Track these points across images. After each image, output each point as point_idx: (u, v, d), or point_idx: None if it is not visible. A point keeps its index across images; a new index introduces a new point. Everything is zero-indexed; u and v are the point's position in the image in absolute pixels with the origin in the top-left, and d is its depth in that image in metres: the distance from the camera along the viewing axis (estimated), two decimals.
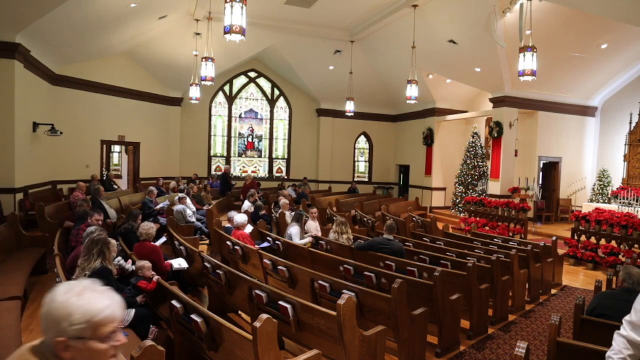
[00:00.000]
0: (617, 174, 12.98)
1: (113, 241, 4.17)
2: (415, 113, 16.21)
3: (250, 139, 17.45)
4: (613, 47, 11.11)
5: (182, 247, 5.85)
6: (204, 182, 14.44)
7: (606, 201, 12.54)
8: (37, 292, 5.52)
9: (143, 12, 10.25)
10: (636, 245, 7.88)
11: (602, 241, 8.34)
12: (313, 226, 7.17)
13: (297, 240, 6.55)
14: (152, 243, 5.05)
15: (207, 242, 8.44)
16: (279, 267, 4.85)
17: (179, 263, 5.17)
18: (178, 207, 8.52)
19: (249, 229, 6.53)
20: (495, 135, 12.75)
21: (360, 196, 14.99)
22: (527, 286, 5.99)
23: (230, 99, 17.02)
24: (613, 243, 8.10)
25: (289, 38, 13.71)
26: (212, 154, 16.87)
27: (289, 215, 8.30)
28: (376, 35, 13.12)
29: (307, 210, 8.15)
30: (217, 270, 4.53)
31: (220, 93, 16.84)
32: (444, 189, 15.72)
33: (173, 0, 10.46)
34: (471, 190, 13.47)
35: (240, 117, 17.26)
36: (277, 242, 6.49)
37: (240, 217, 6.36)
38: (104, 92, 12.93)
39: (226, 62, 14.17)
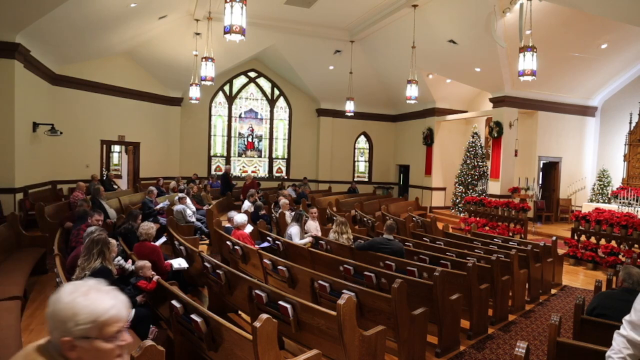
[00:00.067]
0: (617, 174, 12.98)
1: (113, 241, 4.18)
2: (415, 113, 16.21)
3: (250, 139, 17.45)
4: (613, 47, 11.10)
5: (182, 247, 5.85)
6: (204, 182, 14.43)
7: (606, 201, 12.54)
8: (37, 292, 5.53)
9: (143, 12, 10.25)
10: (636, 245, 7.88)
11: (602, 241, 8.34)
12: (313, 226, 7.17)
13: (297, 240, 6.55)
14: (152, 243, 5.05)
15: (207, 242, 8.44)
16: (279, 267, 4.85)
17: (179, 263, 5.17)
18: (178, 207, 8.52)
19: (249, 229, 6.53)
20: (495, 135, 12.75)
21: (360, 196, 14.99)
22: (527, 286, 5.99)
23: (230, 99, 17.02)
24: (613, 243, 8.10)
25: (289, 38, 13.71)
26: (212, 154, 16.87)
27: (289, 215, 8.30)
28: (376, 35, 13.12)
29: (307, 210, 8.15)
30: (217, 270, 4.53)
31: (220, 93, 16.84)
32: (444, 189, 15.72)
33: (173, 0, 10.46)
34: (471, 190, 13.47)
35: (240, 117, 17.26)
36: (277, 242, 6.49)
37: (240, 217, 6.36)
38: (104, 92, 12.93)
39: (226, 62, 14.17)
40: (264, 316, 2.71)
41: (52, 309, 1.24)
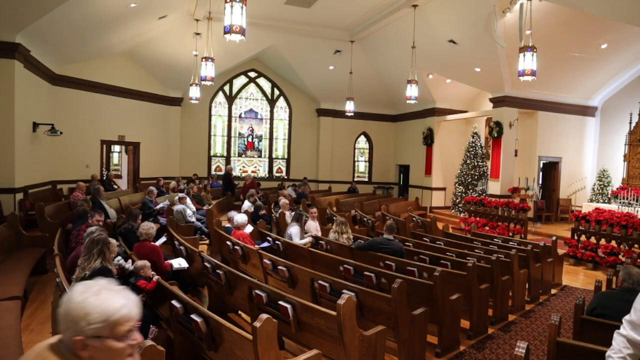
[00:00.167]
0: (617, 174, 12.98)
1: (113, 241, 4.18)
2: (415, 113, 16.21)
3: (250, 139, 17.45)
4: (613, 47, 11.11)
5: (182, 247, 5.85)
6: (204, 182, 14.44)
7: (606, 201, 12.54)
8: (37, 292, 5.53)
9: (143, 12, 10.25)
10: (636, 245, 7.88)
11: (602, 241, 8.34)
12: (313, 226, 7.17)
13: (297, 240, 6.55)
14: (152, 243, 5.05)
15: (207, 242, 8.44)
16: (279, 267, 4.85)
17: (179, 263, 5.17)
18: (178, 207, 8.52)
19: (249, 229, 6.53)
20: (495, 135, 12.75)
21: (360, 196, 14.99)
22: (527, 286, 5.99)
23: (230, 99, 17.02)
24: (613, 243, 8.10)
25: (289, 38, 13.71)
26: (212, 154, 16.87)
27: (289, 215, 8.30)
28: (376, 35, 13.12)
29: (307, 210, 8.15)
30: (217, 270, 4.53)
31: (220, 93, 16.84)
32: (444, 189, 15.72)
33: (173, 0, 10.46)
34: (471, 190, 13.47)
35: (240, 117, 17.26)
36: (277, 242, 6.49)
37: (240, 217, 6.36)
38: (104, 92, 12.93)
39: (226, 62, 14.17)
40: (264, 316, 2.71)
41: (64, 308, 1.26)
